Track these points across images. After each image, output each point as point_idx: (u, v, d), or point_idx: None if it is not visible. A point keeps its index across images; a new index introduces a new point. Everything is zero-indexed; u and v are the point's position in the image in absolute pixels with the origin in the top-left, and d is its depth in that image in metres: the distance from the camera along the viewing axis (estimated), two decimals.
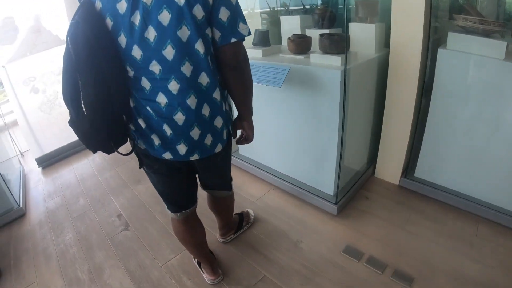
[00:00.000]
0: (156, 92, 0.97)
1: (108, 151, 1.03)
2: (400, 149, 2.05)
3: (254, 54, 2.04)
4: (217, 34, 0.94)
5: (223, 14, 0.91)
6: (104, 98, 0.91)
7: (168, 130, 1.02)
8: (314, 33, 1.98)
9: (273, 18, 2.64)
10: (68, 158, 3.20)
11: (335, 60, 1.64)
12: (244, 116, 1.19)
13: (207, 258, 1.57)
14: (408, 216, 1.85)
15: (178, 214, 1.32)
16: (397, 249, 1.64)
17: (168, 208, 1.33)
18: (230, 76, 1.04)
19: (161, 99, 0.97)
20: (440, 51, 1.70)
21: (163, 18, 0.86)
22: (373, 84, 1.98)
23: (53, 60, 2.83)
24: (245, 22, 0.96)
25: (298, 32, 2.22)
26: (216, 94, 1.03)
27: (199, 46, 0.91)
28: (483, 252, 1.55)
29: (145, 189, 2.44)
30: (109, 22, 0.89)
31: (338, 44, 1.65)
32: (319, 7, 2.09)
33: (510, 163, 1.62)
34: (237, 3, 0.94)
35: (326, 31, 2.01)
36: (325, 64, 1.68)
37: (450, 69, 1.69)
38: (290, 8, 2.36)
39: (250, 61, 1.08)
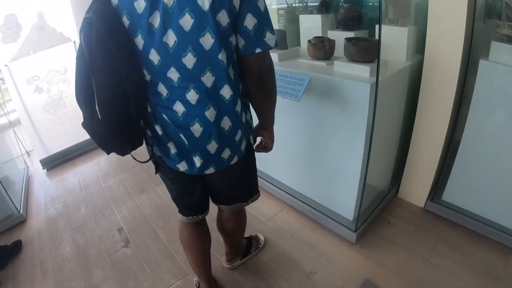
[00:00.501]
0: (173, 100, 0.91)
1: (123, 153, 0.98)
2: (429, 169, 1.82)
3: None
4: (241, 42, 0.86)
5: (249, 22, 0.83)
6: (121, 101, 0.85)
7: (185, 140, 0.96)
8: (338, 36, 1.77)
9: (291, 16, 2.42)
10: (73, 160, 3.10)
11: (364, 71, 1.42)
12: (265, 126, 1.15)
13: (208, 281, 1.44)
14: (434, 246, 1.65)
15: (190, 217, 1.26)
16: (420, 285, 1.46)
17: (179, 212, 1.27)
18: (252, 85, 0.97)
19: (179, 108, 0.91)
20: (482, 62, 1.46)
21: (184, 23, 0.79)
22: (403, 96, 1.75)
23: (58, 58, 2.70)
24: (272, 32, 0.88)
25: (319, 33, 2.00)
26: (238, 107, 0.97)
27: (223, 56, 0.85)
28: None
29: (148, 200, 2.30)
30: (125, 20, 0.81)
31: (367, 51, 1.43)
32: (344, 5, 1.86)
33: None
34: (266, 10, 0.86)
35: (351, 34, 1.79)
36: (351, 75, 1.46)
37: (492, 84, 1.46)
38: (309, 4, 2.13)
39: None
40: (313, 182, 1.89)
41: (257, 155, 1.24)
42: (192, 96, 0.89)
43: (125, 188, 2.48)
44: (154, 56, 0.84)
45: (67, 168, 2.99)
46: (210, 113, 0.91)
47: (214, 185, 1.20)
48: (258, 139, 1.22)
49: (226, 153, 1.01)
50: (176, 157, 1.01)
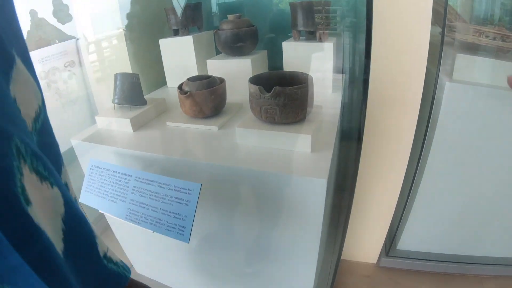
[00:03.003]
0: None
1: None
2: (381, 222, 1.35)
3: (116, 126, 1.01)
4: None
5: None
6: None
7: None
8: (224, 67, 1.07)
9: (144, 42, 1.58)
10: None
11: (301, 142, 0.75)
12: None
13: None
14: None
15: None
16: None
17: None
18: None
19: None
20: (448, 85, 0.98)
21: None
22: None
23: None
24: None
25: (193, 64, 1.27)
26: None
27: None
28: None
29: None
30: None
31: (299, 103, 0.76)
32: (228, 18, 1.17)
33: None
34: None
35: (244, 61, 1.11)
36: (269, 152, 0.78)
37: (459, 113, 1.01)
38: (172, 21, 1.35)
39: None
40: None
41: None
42: None
43: None
44: None
45: None
46: None
47: None
48: None
49: None
50: None
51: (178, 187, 0.66)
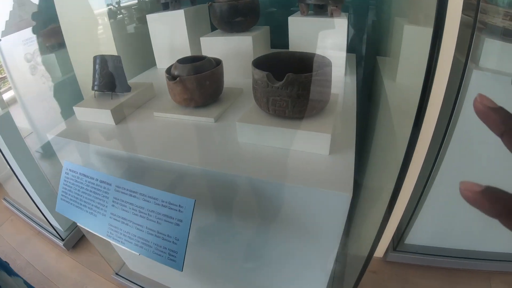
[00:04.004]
0: None
1: None
2: (392, 216, 1.25)
3: (95, 118, 0.86)
4: None
5: None
6: None
7: None
8: (220, 47, 0.93)
9: (132, 19, 1.40)
10: None
11: (317, 143, 0.62)
12: None
13: None
14: None
15: None
16: None
17: None
18: None
19: None
20: (476, 73, 0.84)
21: None
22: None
23: None
24: None
25: (185, 43, 1.11)
26: None
27: None
28: None
29: None
30: None
31: (318, 94, 0.62)
32: None
33: None
34: None
35: (244, 36, 0.96)
36: (281, 153, 0.64)
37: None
38: None
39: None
40: None
41: None
42: None
43: None
44: None
45: None
46: None
47: None
48: None
49: None
50: None
51: (166, 202, 0.53)
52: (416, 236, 1.29)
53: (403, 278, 1.32)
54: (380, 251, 1.41)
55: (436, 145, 1.01)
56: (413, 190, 1.15)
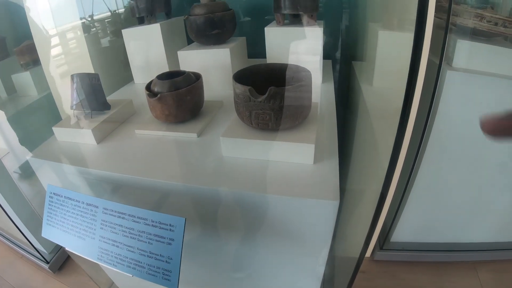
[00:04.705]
0: None
1: None
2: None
3: (76, 138, 0.85)
4: None
5: None
6: None
7: None
8: (198, 59, 0.93)
9: (106, 33, 1.38)
10: None
11: (301, 152, 0.64)
12: None
13: None
14: None
15: None
16: None
17: None
18: None
19: None
20: (449, 73, 0.89)
21: None
22: None
23: None
24: None
25: (162, 58, 1.11)
26: None
27: None
28: None
29: None
30: None
31: (298, 105, 0.64)
32: (201, 1, 1.01)
33: None
34: None
35: (222, 50, 0.97)
36: (259, 165, 0.66)
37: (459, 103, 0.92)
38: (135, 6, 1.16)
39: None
40: None
41: None
42: None
43: None
44: None
45: None
46: None
47: None
48: None
49: None
50: None
51: (156, 222, 0.54)
52: (401, 234, 1.33)
53: (392, 275, 1.35)
54: (367, 251, 1.44)
55: (416, 143, 1.05)
56: (395, 189, 1.19)
